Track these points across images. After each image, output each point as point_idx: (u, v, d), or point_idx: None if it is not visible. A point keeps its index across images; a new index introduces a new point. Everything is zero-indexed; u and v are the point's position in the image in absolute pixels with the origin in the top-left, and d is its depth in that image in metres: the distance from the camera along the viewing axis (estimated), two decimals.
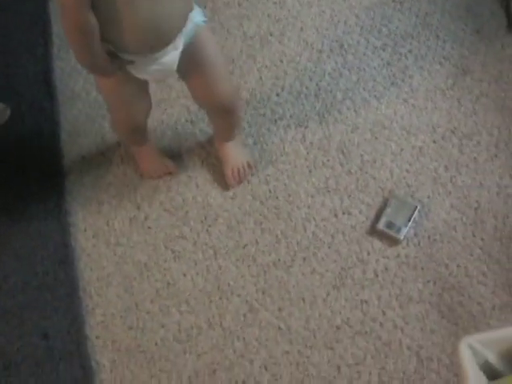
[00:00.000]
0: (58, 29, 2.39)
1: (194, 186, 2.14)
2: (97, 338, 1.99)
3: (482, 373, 1.38)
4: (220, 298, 2.00)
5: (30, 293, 2.05)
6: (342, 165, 2.13)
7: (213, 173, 2.15)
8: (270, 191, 2.11)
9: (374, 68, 2.26)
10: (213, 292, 2.01)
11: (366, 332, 1.92)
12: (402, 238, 1.99)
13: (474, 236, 2.00)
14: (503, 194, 2.04)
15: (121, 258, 2.07)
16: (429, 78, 2.23)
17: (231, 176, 2.11)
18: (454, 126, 2.15)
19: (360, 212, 2.06)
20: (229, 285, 2.01)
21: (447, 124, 2.15)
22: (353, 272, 1.99)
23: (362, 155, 2.13)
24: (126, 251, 2.08)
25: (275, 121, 2.21)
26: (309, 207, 2.08)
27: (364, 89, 2.23)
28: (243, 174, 2.12)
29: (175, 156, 2.19)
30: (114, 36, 1.57)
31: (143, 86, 1.85)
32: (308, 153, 2.15)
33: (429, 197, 2.06)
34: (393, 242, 2.01)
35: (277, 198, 2.10)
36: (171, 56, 1.69)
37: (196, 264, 2.05)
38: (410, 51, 2.27)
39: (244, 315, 1.97)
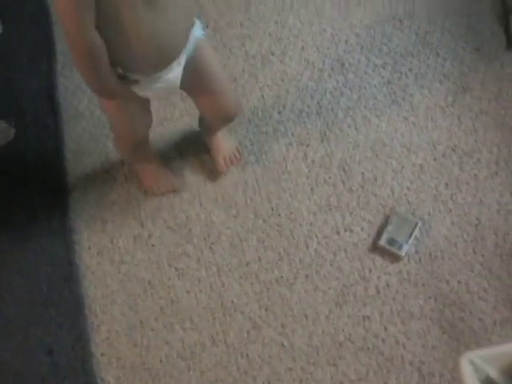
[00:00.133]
0: (62, 46, 2.41)
1: (198, 204, 2.16)
2: (102, 355, 2.00)
3: None
4: (223, 315, 2.01)
5: (35, 309, 2.06)
6: (343, 182, 2.14)
7: (216, 191, 2.17)
8: (272, 209, 2.13)
9: (375, 86, 2.28)
10: (216, 309, 2.02)
11: (369, 348, 1.94)
12: (403, 254, 2.01)
13: (474, 252, 2.02)
14: (503, 211, 2.06)
15: (125, 275, 2.09)
16: (429, 96, 2.24)
17: (223, 164, 2.17)
18: (455, 143, 2.16)
19: (362, 229, 2.08)
20: (232, 302, 2.03)
21: (447, 141, 2.17)
22: (355, 289, 2.00)
23: (363, 173, 2.15)
24: (130, 269, 2.10)
25: (277, 139, 2.23)
26: (311, 225, 2.10)
27: (365, 107, 2.25)
28: (234, 160, 2.19)
29: (178, 174, 2.21)
30: (119, 54, 1.58)
31: (145, 104, 1.87)
32: (310, 170, 2.17)
33: (429, 214, 2.07)
34: (394, 258, 2.02)
35: (279, 215, 2.12)
36: (175, 72, 1.72)
37: (199, 281, 2.06)
38: (410, 69, 2.29)
39: (247, 332, 1.99)
